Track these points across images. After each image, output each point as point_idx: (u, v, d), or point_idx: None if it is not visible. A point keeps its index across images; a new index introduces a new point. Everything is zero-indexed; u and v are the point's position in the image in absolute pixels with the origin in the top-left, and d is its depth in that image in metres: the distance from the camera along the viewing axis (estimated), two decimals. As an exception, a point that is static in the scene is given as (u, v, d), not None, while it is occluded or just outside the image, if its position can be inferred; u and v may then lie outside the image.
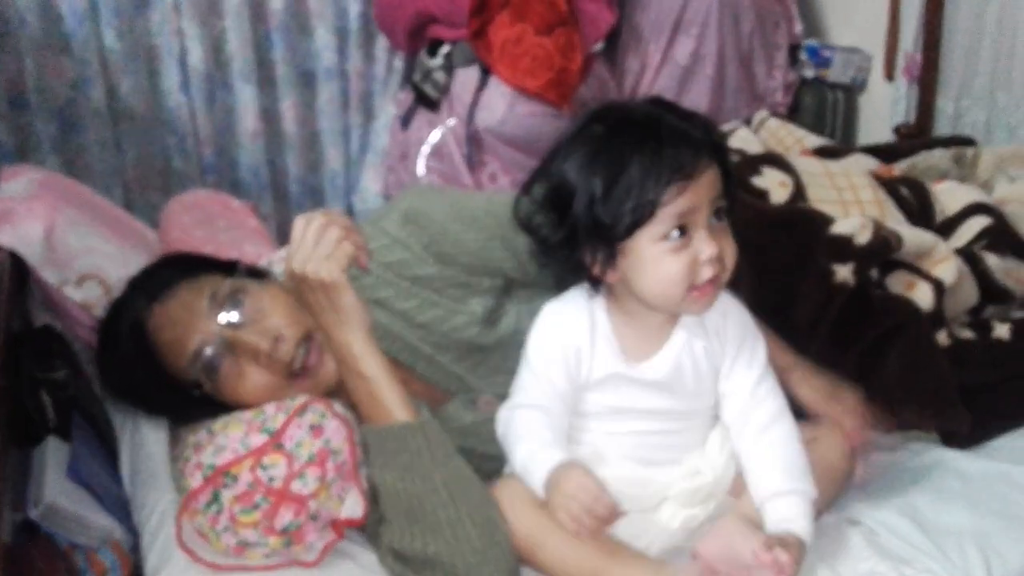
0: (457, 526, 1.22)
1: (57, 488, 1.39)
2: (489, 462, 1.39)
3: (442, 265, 1.43)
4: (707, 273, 1.16)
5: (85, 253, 1.60)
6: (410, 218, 1.43)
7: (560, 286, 1.29)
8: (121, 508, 1.48)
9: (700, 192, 1.14)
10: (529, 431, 1.23)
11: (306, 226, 1.29)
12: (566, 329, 1.25)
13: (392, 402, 1.29)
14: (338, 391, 1.40)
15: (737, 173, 1.71)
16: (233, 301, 1.35)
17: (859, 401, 1.40)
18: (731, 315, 1.28)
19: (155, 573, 1.29)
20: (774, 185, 1.70)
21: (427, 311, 1.43)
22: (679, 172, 1.13)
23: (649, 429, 1.27)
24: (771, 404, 1.27)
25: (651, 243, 1.16)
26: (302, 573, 1.27)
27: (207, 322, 1.33)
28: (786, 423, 1.27)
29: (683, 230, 1.15)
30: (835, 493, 1.35)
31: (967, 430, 1.51)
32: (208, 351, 1.33)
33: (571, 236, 1.19)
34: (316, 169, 3.22)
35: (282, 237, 3.11)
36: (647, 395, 1.25)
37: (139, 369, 1.38)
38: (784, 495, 1.21)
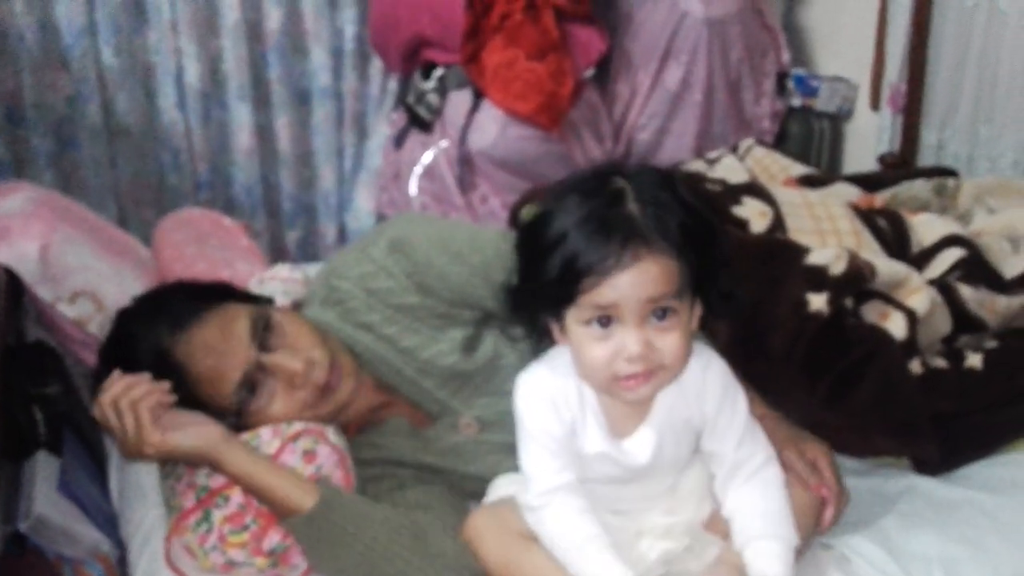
0: (408, 573, 1.24)
1: (46, 501, 1.41)
2: (470, 482, 1.43)
3: (424, 295, 1.45)
4: (627, 369, 1.12)
5: (79, 271, 1.63)
6: (396, 246, 1.46)
7: (531, 337, 1.25)
8: (109, 522, 1.51)
9: (627, 288, 1.09)
10: (576, 528, 1.19)
11: (107, 417, 1.28)
12: (558, 402, 1.20)
13: (286, 491, 1.27)
14: (348, 408, 1.44)
15: (718, 202, 1.77)
16: (269, 328, 1.39)
17: (824, 453, 1.39)
18: (711, 371, 1.24)
19: (141, 588, 1.31)
20: (754, 215, 1.75)
21: (409, 338, 1.46)
22: (598, 265, 1.08)
23: (628, 489, 1.27)
24: (758, 456, 1.26)
25: (576, 324, 1.13)
26: (285, 591, 1.30)
27: (248, 350, 1.35)
28: (770, 471, 1.26)
29: (606, 321, 1.11)
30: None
31: (936, 458, 1.54)
32: (251, 378, 1.35)
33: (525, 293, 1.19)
34: (309, 187, 3.25)
35: (275, 255, 3.16)
36: (626, 472, 1.25)
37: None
38: (765, 539, 1.21)
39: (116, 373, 1.30)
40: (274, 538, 1.30)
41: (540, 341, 1.23)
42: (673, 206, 1.13)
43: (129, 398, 1.26)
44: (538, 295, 1.16)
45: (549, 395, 1.21)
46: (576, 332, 1.14)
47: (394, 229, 1.49)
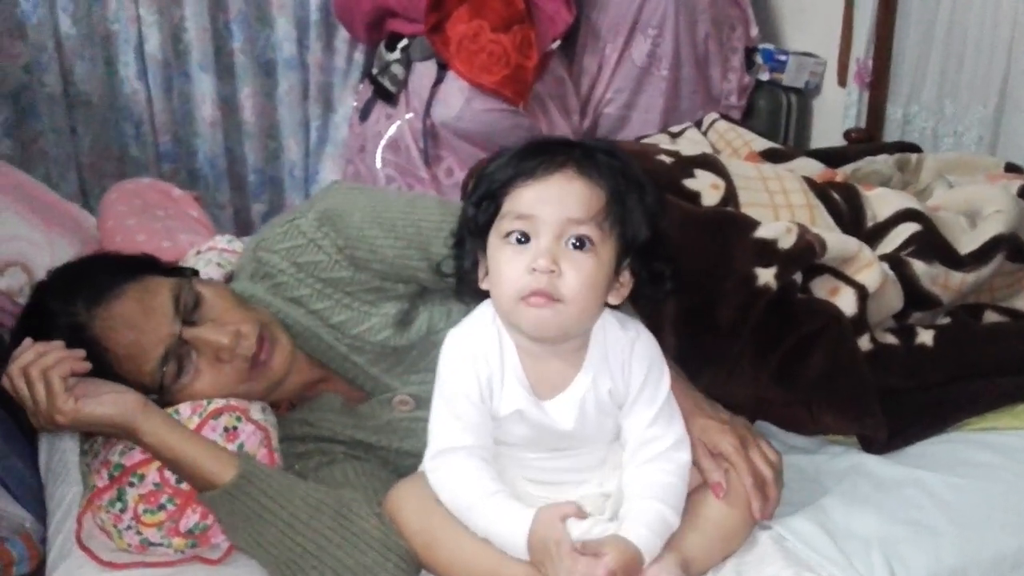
0: (329, 551, 1.21)
1: (-34, 476, 1.39)
2: (405, 458, 1.40)
3: (356, 269, 1.41)
4: (531, 282, 1.12)
5: (8, 240, 1.59)
6: (326, 219, 1.41)
7: (460, 295, 1.29)
8: (35, 499, 1.48)
9: (548, 202, 1.13)
10: (470, 487, 1.19)
11: (16, 386, 1.24)
12: (478, 357, 1.21)
13: (206, 464, 1.24)
14: (282, 384, 1.40)
15: (670, 175, 1.73)
16: (194, 302, 1.34)
17: (758, 436, 1.36)
18: (638, 347, 1.25)
19: (54, 567, 1.28)
20: (706, 188, 1.71)
21: (340, 313, 1.42)
22: (527, 172, 1.15)
23: (551, 458, 1.26)
24: (668, 438, 1.24)
25: (497, 239, 1.16)
26: (203, 570, 1.27)
27: (170, 324, 1.30)
28: (677, 455, 1.24)
29: (525, 237, 1.14)
30: (724, 547, 1.29)
31: (884, 437, 1.52)
32: (174, 353, 1.31)
33: (461, 237, 1.22)
34: (275, 159, 3.22)
35: (240, 228, 3.12)
36: (550, 436, 1.23)
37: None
38: (645, 500, 1.19)
39: (27, 341, 1.25)
40: (192, 518, 1.26)
41: (467, 297, 1.26)
42: (609, 159, 1.18)
43: (40, 365, 1.21)
44: (471, 222, 1.19)
45: (469, 349, 1.21)
46: (495, 251, 1.16)
47: (325, 201, 1.44)
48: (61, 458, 1.45)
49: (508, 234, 1.15)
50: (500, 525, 1.16)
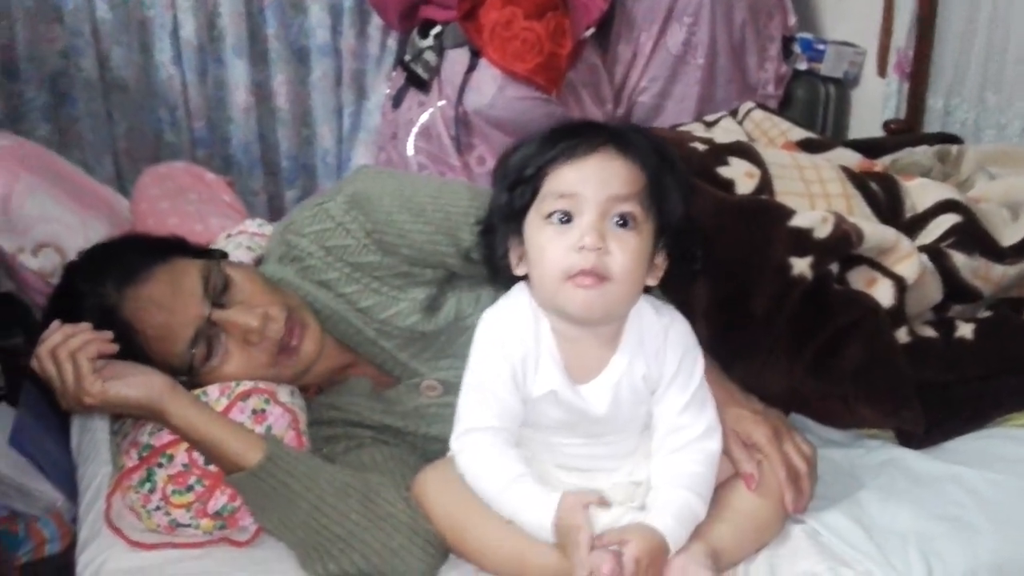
0: (356, 534, 1.20)
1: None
2: (433, 443, 1.39)
3: (384, 254, 1.40)
4: (579, 261, 1.11)
5: (43, 221, 1.60)
6: (355, 203, 1.40)
7: (494, 281, 1.28)
8: (68, 478, 1.48)
9: (591, 180, 1.13)
10: (496, 469, 1.18)
11: (45, 368, 1.24)
12: (512, 338, 1.19)
13: (233, 446, 1.24)
14: (312, 369, 1.40)
15: (703, 163, 1.71)
16: (223, 284, 1.33)
17: (790, 427, 1.34)
18: (673, 332, 1.24)
19: (84, 546, 1.29)
20: (740, 176, 1.68)
21: (368, 297, 1.41)
22: (566, 152, 1.14)
23: (583, 445, 1.25)
24: (698, 426, 1.23)
25: (538, 219, 1.15)
26: (231, 552, 1.27)
27: (200, 306, 1.30)
28: (707, 443, 1.22)
29: (568, 216, 1.13)
30: (755, 539, 1.28)
31: (922, 430, 1.49)
32: (204, 335, 1.30)
33: (489, 224, 1.21)
34: (308, 146, 3.23)
35: (272, 214, 3.13)
36: (584, 421, 1.22)
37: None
38: (674, 488, 1.18)
39: (55, 323, 1.25)
40: (221, 500, 1.26)
41: (501, 282, 1.24)
42: (642, 139, 1.19)
43: (68, 347, 1.22)
44: (505, 208, 1.18)
45: (503, 330, 1.20)
46: (536, 233, 1.15)
47: (354, 184, 1.43)
48: (92, 438, 1.46)
49: (550, 215, 1.14)
50: (526, 510, 1.16)
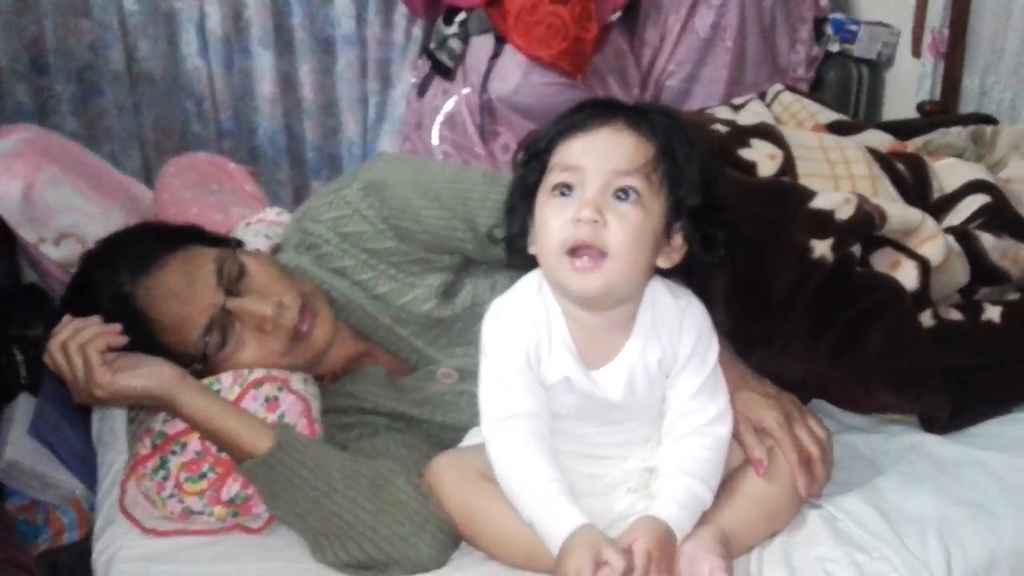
0: (366, 521, 1.20)
1: (20, 445, 1.41)
2: (447, 431, 1.39)
3: (400, 240, 1.40)
4: (575, 233, 1.09)
5: (65, 211, 1.61)
6: (372, 189, 1.40)
7: (512, 263, 1.26)
8: (88, 468, 1.49)
9: (594, 152, 1.11)
10: (527, 468, 1.14)
11: (56, 361, 1.24)
12: (523, 324, 1.18)
13: (243, 435, 1.23)
14: (325, 357, 1.39)
15: (724, 145, 1.68)
16: (238, 272, 1.33)
17: (805, 411, 1.32)
18: (688, 315, 1.22)
19: (100, 533, 1.30)
20: (762, 157, 1.65)
21: (384, 284, 1.41)
22: (577, 124, 1.14)
23: (597, 432, 1.23)
24: (709, 411, 1.21)
25: (544, 193, 1.14)
26: (244, 539, 1.27)
27: (214, 295, 1.30)
28: (712, 432, 1.20)
29: (570, 189, 1.12)
30: (767, 524, 1.26)
31: (946, 415, 1.46)
32: (218, 323, 1.31)
33: (513, 204, 1.20)
34: (333, 136, 3.23)
35: (297, 204, 3.12)
36: (598, 407, 1.20)
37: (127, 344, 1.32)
38: (678, 475, 1.16)
39: (66, 318, 1.26)
40: (233, 487, 1.27)
41: (519, 265, 1.23)
42: (661, 117, 1.17)
43: (77, 340, 1.23)
44: (520, 183, 1.19)
45: (513, 316, 1.19)
46: (542, 206, 1.14)
47: (370, 171, 1.43)
48: (111, 426, 1.47)
49: (555, 187, 1.13)
50: (545, 520, 1.12)
